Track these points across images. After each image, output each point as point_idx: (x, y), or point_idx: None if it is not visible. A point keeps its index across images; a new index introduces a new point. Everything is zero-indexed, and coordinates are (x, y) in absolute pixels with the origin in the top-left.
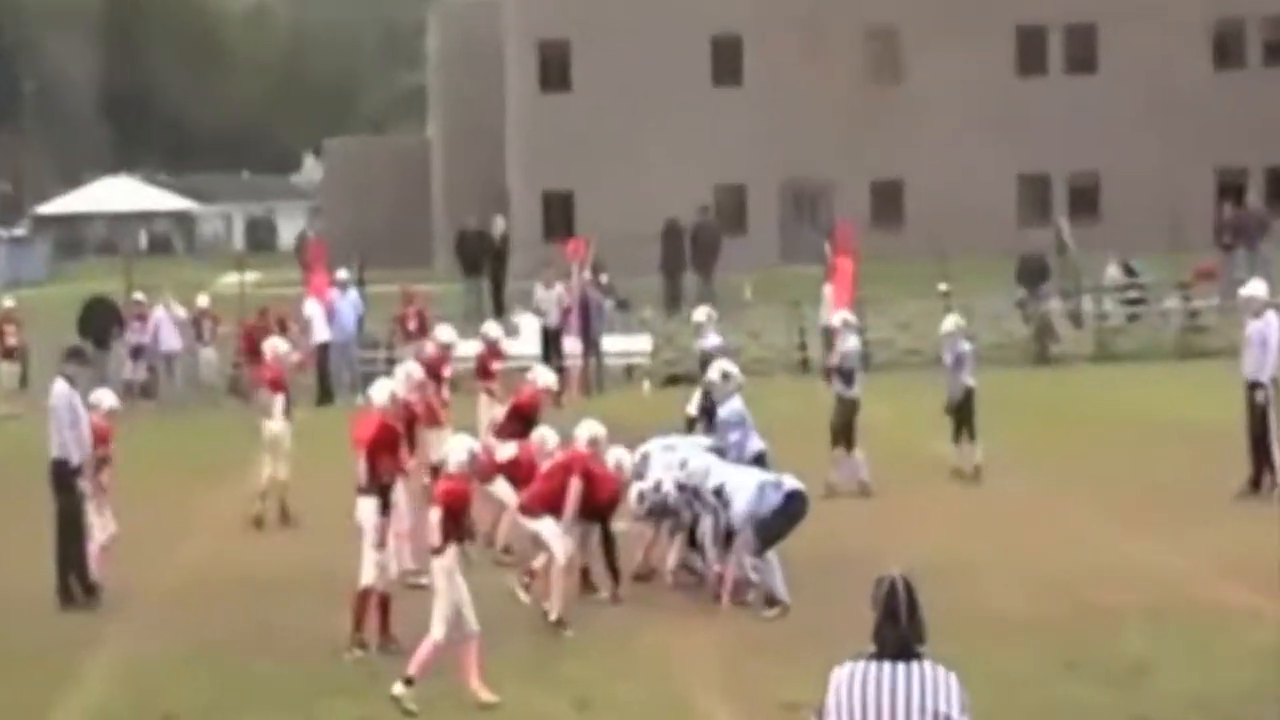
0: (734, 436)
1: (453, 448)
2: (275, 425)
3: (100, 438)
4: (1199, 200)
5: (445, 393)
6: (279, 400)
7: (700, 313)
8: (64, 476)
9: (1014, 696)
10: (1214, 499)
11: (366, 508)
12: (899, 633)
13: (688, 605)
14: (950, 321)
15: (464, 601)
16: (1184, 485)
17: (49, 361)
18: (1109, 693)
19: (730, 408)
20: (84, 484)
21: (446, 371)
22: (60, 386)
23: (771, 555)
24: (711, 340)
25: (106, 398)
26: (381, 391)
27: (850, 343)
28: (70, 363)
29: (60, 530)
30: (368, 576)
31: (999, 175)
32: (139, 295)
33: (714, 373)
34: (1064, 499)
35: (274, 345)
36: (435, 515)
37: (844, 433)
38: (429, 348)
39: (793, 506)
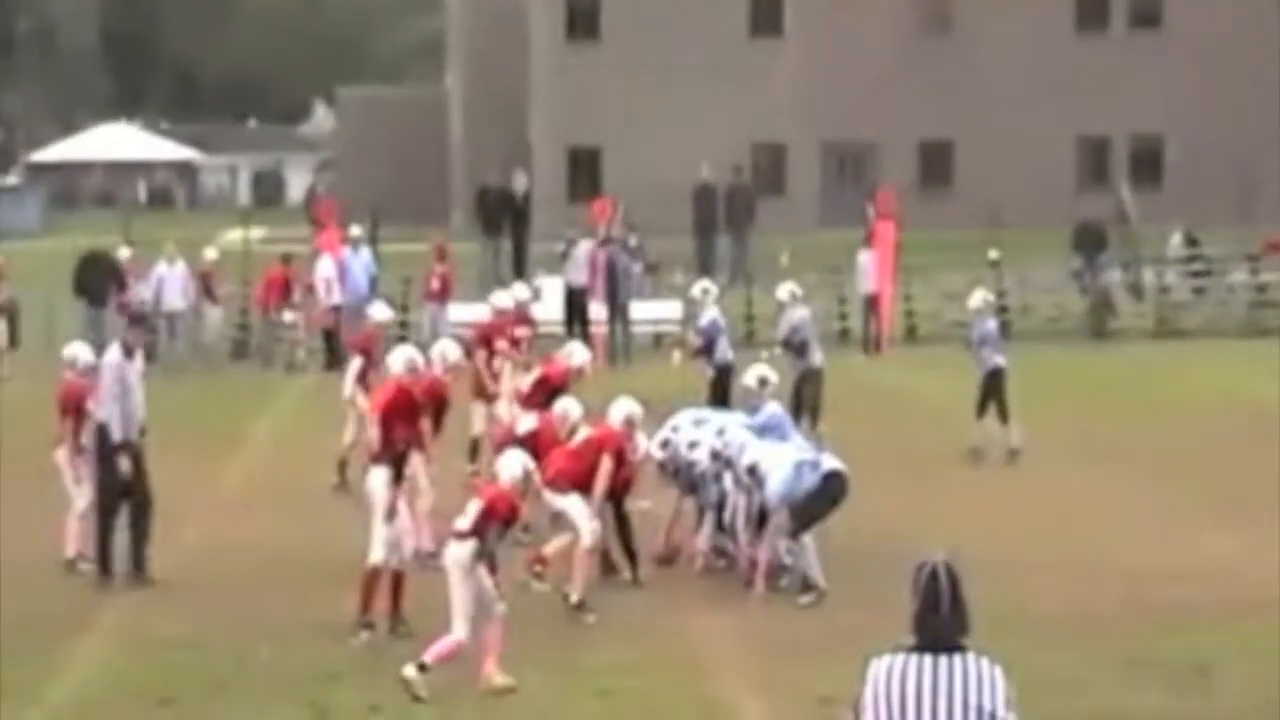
0: (769, 439)
1: (507, 463)
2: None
3: (75, 397)
4: (1269, 167)
5: (497, 363)
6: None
7: (697, 287)
8: (103, 446)
9: (1065, 699)
10: None
11: (377, 478)
12: (940, 622)
13: (714, 591)
14: (978, 297)
15: (484, 589)
16: (1249, 472)
17: (41, 319)
18: (1168, 696)
19: (768, 412)
20: (125, 462)
21: (500, 342)
22: (114, 354)
23: (807, 538)
24: (708, 317)
25: (82, 353)
26: (399, 358)
27: (798, 314)
28: (132, 330)
29: (100, 502)
30: (376, 554)
31: (1055, 137)
32: (125, 251)
33: (750, 378)
34: (1120, 485)
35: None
36: (474, 507)
37: (812, 407)
38: (484, 311)
39: (831, 488)
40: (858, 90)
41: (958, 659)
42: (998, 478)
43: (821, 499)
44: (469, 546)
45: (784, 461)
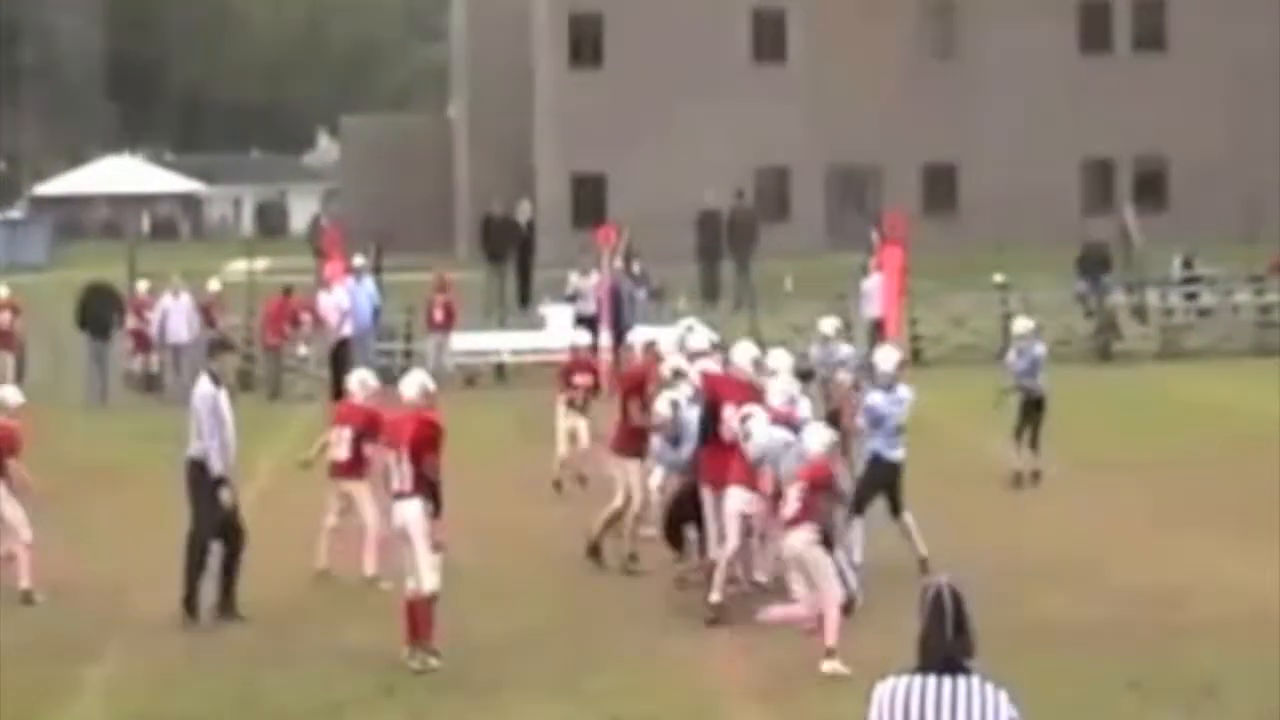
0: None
1: (812, 435)
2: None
3: (5, 439)
4: (1274, 188)
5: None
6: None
7: (829, 325)
8: (201, 483)
9: (1072, 718)
10: None
11: (411, 511)
12: (945, 645)
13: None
14: (1023, 324)
15: (842, 563)
16: (1257, 491)
17: (47, 351)
18: (1175, 716)
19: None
20: (227, 494)
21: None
22: (204, 385)
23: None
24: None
25: (11, 395)
26: (411, 386)
27: (844, 350)
28: (215, 357)
29: (190, 539)
30: (431, 583)
31: (1060, 160)
32: (143, 284)
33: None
34: (1127, 505)
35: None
36: (798, 490)
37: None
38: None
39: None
40: (862, 114)
41: (961, 681)
42: (1005, 495)
43: None
44: (808, 530)
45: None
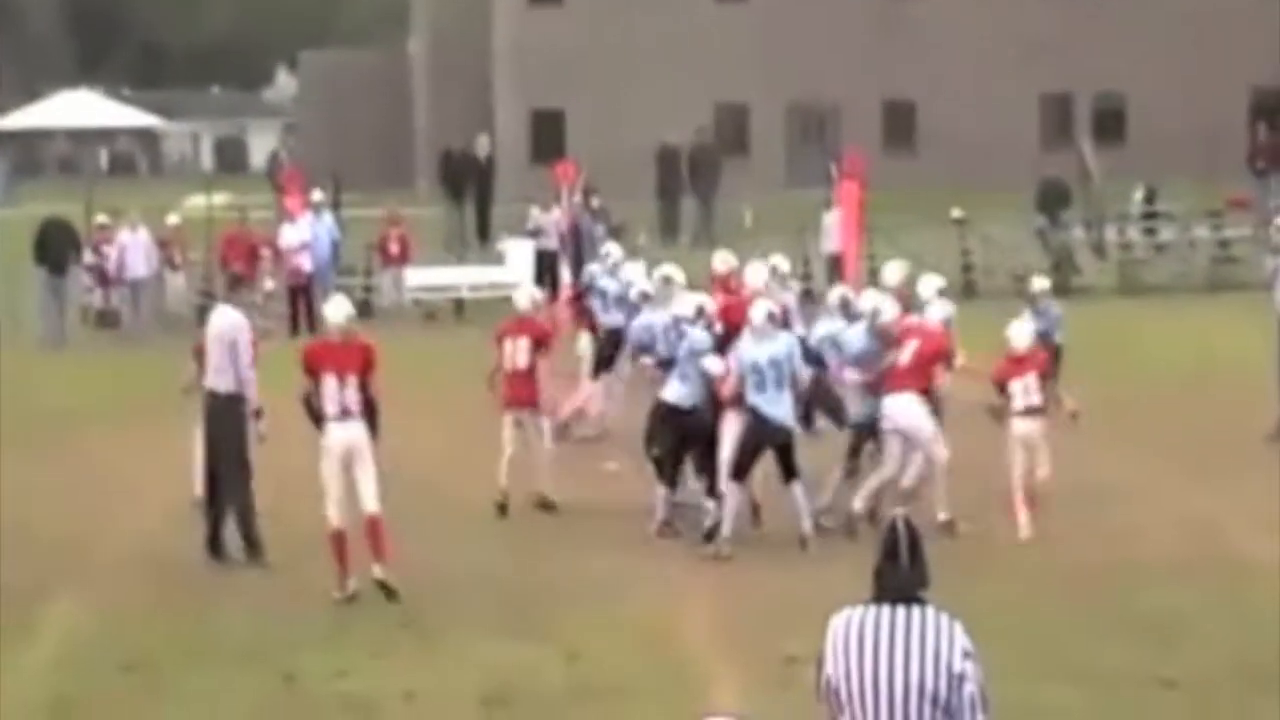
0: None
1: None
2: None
3: None
4: (1232, 123)
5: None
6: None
7: (930, 287)
8: (229, 416)
9: (1036, 656)
10: (1246, 443)
11: (360, 433)
12: (899, 574)
13: (684, 554)
14: (1040, 282)
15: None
16: (1214, 428)
17: (4, 287)
18: (1138, 653)
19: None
20: (265, 426)
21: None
22: (235, 315)
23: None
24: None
25: None
26: (339, 311)
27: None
28: (236, 291)
29: (228, 475)
30: (376, 503)
31: (1019, 96)
32: (102, 218)
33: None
34: (1085, 443)
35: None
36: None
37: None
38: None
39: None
40: (821, 51)
41: (915, 610)
42: (966, 436)
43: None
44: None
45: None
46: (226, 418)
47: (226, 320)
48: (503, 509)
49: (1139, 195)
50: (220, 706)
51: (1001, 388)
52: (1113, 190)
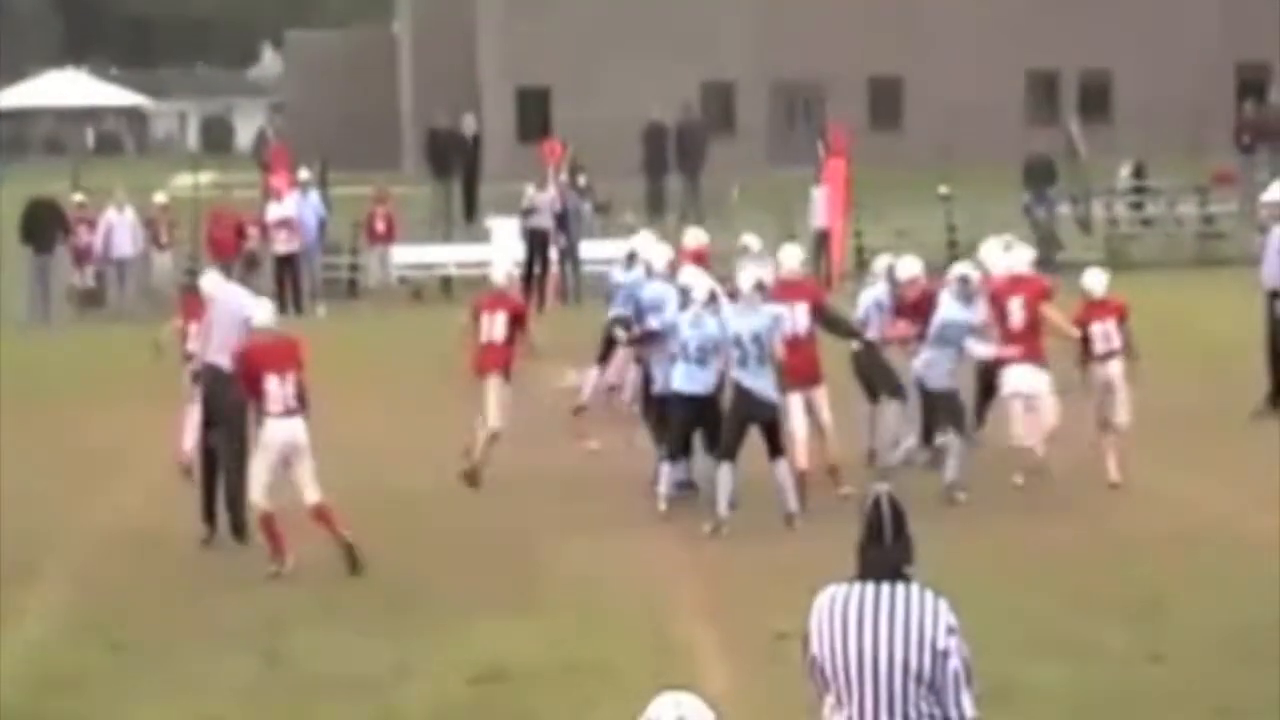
0: None
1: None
2: None
3: None
4: (1218, 100)
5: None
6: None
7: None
8: (227, 392)
9: (1020, 632)
10: (1231, 418)
11: (301, 429)
12: (883, 552)
13: (673, 531)
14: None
15: None
16: (1199, 403)
17: None
18: (1123, 629)
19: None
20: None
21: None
22: (243, 294)
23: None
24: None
25: None
26: (266, 312)
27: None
28: (252, 271)
29: (228, 451)
30: (317, 493)
31: (1005, 72)
32: (78, 197)
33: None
34: (1071, 418)
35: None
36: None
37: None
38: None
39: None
40: (807, 28)
41: (900, 587)
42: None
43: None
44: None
45: None
46: (229, 394)
47: (237, 299)
48: (471, 479)
49: (1126, 171)
50: (209, 686)
51: (1083, 334)
52: (1099, 166)
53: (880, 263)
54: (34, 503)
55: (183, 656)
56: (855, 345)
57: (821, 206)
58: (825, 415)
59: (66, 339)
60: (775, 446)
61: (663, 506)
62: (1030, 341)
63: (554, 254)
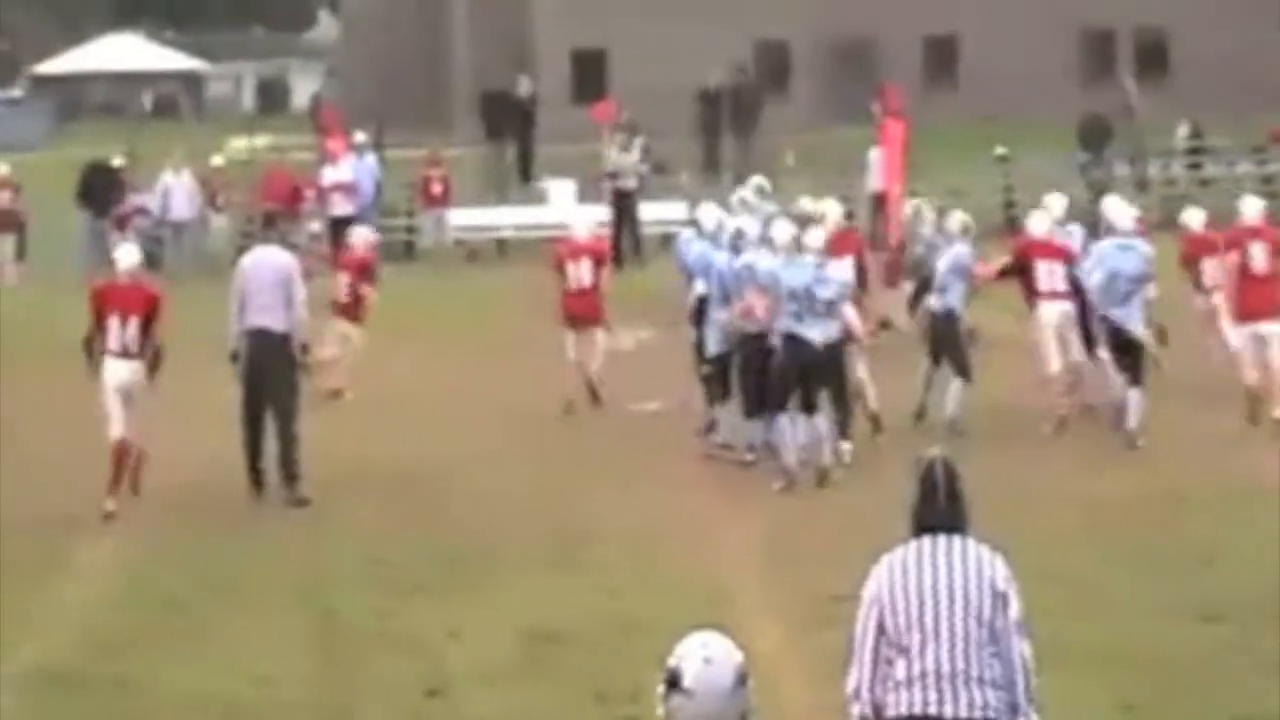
0: None
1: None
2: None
3: None
4: (1276, 57)
5: None
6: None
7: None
8: (286, 353)
9: (1071, 589)
10: None
11: (138, 371)
12: (938, 515)
13: (728, 490)
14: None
15: None
16: None
17: (50, 230)
18: (1174, 585)
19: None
20: (307, 360)
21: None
22: (285, 255)
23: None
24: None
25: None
26: (129, 257)
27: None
28: (272, 229)
29: (282, 412)
30: (123, 430)
31: (1059, 31)
32: (117, 160)
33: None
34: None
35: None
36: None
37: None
38: None
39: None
40: None
41: (957, 539)
42: (1010, 368)
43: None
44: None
45: None
46: (281, 355)
47: (278, 260)
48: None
49: (1183, 131)
50: (262, 645)
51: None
52: (1155, 125)
53: (955, 220)
54: (89, 462)
55: (234, 617)
56: (935, 305)
57: (878, 169)
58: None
59: None
60: (811, 403)
61: (790, 460)
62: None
63: (602, 215)
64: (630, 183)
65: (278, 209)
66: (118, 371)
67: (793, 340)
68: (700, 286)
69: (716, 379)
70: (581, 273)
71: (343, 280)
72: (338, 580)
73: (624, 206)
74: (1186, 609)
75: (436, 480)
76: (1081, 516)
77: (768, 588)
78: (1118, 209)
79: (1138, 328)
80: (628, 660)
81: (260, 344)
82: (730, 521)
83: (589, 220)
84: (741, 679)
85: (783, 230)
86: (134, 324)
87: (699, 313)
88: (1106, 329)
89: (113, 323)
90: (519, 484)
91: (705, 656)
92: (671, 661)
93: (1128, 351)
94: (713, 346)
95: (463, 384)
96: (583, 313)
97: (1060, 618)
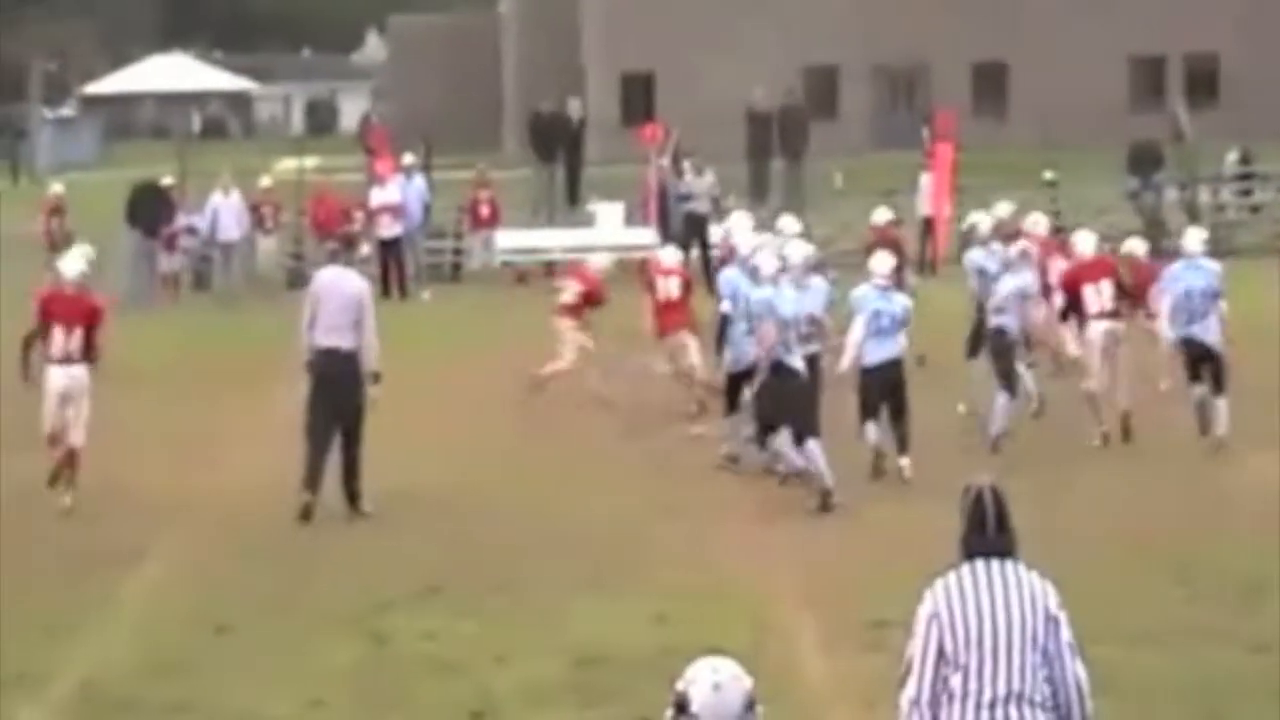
0: None
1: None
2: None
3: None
4: None
5: None
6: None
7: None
8: (356, 375)
9: (1119, 617)
10: None
11: (83, 376)
12: (987, 544)
13: (773, 515)
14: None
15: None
16: None
17: (101, 250)
18: (1221, 612)
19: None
20: (378, 390)
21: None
22: (359, 279)
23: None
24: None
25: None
26: (75, 265)
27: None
28: (352, 252)
29: (350, 431)
30: (81, 438)
31: (1109, 56)
32: (167, 179)
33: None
34: (1168, 401)
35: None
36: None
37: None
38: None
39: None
40: (909, 11)
41: (1009, 563)
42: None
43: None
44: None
45: None
46: (350, 375)
47: (352, 283)
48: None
49: (1233, 157)
50: (312, 669)
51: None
52: (1205, 151)
53: (1016, 249)
54: (139, 485)
55: (286, 640)
56: (992, 322)
57: (928, 193)
58: None
59: (171, 321)
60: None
61: (872, 436)
62: None
63: (646, 238)
64: (703, 206)
65: (353, 232)
66: (59, 378)
67: (779, 369)
68: (725, 306)
69: (728, 395)
70: (670, 287)
71: (574, 286)
72: (387, 604)
73: (695, 229)
74: (1234, 638)
75: (486, 503)
76: (1125, 540)
77: (811, 613)
78: (1191, 234)
79: (1216, 341)
80: (673, 684)
81: (329, 363)
82: (775, 545)
83: (673, 249)
84: (750, 704)
85: (767, 260)
86: (77, 334)
87: (722, 331)
88: (1184, 343)
89: (57, 331)
90: (568, 508)
91: (715, 682)
92: (680, 685)
93: (1208, 362)
94: (729, 364)
95: (511, 406)
96: (673, 320)
97: (1109, 644)
